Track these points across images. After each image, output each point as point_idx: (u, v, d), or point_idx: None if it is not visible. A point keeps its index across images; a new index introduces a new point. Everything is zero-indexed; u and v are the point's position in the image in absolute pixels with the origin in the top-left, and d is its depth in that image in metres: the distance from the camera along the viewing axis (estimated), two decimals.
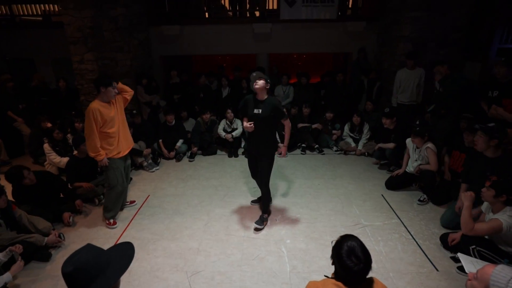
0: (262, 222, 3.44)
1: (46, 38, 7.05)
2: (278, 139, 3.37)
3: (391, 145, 4.75)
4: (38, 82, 6.34)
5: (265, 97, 3.13)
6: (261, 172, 3.34)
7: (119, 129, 3.34)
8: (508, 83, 3.66)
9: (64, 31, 5.74)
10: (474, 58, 5.79)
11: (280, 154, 3.50)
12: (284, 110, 3.26)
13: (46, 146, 4.63)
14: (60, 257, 3.07)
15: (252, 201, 4.01)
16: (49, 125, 5.13)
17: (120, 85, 3.35)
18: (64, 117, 6.03)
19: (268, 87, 3.12)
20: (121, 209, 3.87)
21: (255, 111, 3.13)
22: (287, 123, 3.28)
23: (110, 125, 3.23)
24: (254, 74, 3.12)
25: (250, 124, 3.11)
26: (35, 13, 7.12)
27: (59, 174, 4.53)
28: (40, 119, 5.15)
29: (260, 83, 3.05)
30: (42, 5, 7.21)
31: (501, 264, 1.33)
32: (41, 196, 3.52)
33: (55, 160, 4.62)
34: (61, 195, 3.83)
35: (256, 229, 3.41)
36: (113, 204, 3.51)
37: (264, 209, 3.54)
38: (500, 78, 3.77)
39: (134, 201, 4.05)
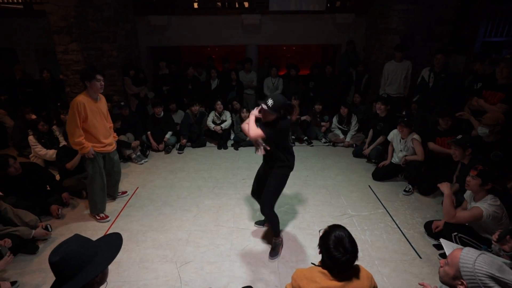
0: (276, 253, 2.92)
1: (28, 27, 6.82)
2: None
3: (381, 139, 4.74)
4: (22, 74, 6.16)
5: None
6: (265, 190, 2.78)
7: (100, 127, 3.28)
8: (490, 75, 3.76)
9: (47, 20, 5.57)
10: (459, 51, 5.91)
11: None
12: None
13: (31, 138, 4.53)
14: (47, 250, 3.04)
15: (256, 223, 3.39)
16: (33, 117, 5.01)
17: None
18: (50, 108, 5.89)
19: (273, 117, 2.46)
20: (114, 199, 3.88)
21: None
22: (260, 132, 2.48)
23: (93, 121, 3.17)
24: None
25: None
26: (15, 1, 6.86)
27: (45, 167, 4.44)
28: (24, 110, 5.03)
29: (262, 109, 2.47)
30: None
31: (468, 247, 1.42)
32: (28, 187, 3.46)
33: (41, 152, 4.53)
34: (48, 188, 3.77)
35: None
36: (98, 195, 3.41)
37: (274, 232, 2.97)
38: (500, 79, 3.65)
39: (126, 192, 4.06)
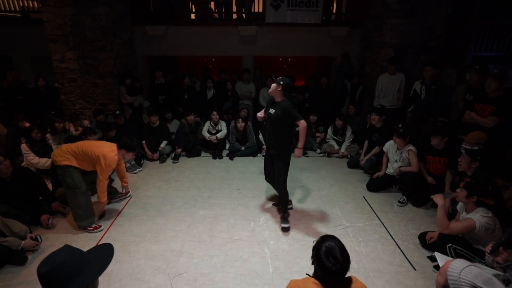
0: (287, 221, 3.50)
1: (25, 35, 6.82)
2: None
3: (376, 149, 4.75)
4: (11, 80, 6.10)
5: (280, 100, 3.24)
6: (276, 174, 3.46)
7: None
8: (480, 89, 3.84)
9: (43, 29, 5.59)
10: (451, 65, 6.03)
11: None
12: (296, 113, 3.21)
13: (23, 146, 4.47)
14: (36, 261, 2.97)
15: (273, 204, 4.02)
16: (27, 124, 4.96)
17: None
18: (44, 116, 5.84)
19: (279, 89, 3.19)
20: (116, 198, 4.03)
21: (270, 110, 3.33)
22: (301, 124, 3.20)
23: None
24: (270, 78, 3.26)
25: (261, 115, 3.48)
26: (13, 9, 6.88)
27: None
28: (18, 118, 4.98)
29: (272, 86, 3.25)
30: (20, 1, 6.98)
31: (460, 258, 1.47)
32: (19, 192, 3.38)
33: (33, 160, 4.47)
34: (40, 198, 3.70)
35: (284, 229, 3.46)
36: (85, 209, 3.36)
37: (283, 211, 3.57)
38: (473, 84, 3.95)
39: (129, 192, 4.22)
